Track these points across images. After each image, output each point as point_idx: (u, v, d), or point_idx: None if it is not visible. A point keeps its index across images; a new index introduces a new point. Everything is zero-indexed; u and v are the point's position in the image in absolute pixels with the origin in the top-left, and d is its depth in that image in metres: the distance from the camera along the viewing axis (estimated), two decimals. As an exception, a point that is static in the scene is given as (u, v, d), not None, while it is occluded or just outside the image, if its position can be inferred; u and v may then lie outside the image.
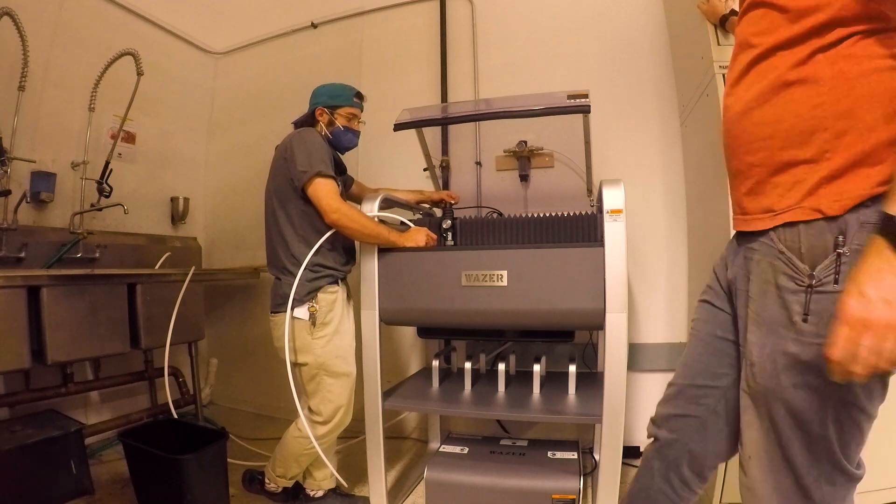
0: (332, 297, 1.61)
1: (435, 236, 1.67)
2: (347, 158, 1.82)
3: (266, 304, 1.67)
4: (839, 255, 0.68)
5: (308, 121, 1.73)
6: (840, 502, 0.77)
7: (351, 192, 1.88)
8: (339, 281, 1.66)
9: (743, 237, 0.86)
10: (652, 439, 1.04)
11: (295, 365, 1.58)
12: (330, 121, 1.70)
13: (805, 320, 0.71)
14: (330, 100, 1.70)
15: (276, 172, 1.64)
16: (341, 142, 1.72)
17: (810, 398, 0.73)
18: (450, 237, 1.76)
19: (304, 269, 1.55)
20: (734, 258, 0.90)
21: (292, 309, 1.54)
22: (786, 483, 0.78)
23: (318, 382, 1.58)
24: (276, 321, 1.59)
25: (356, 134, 1.75)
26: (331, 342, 1.59)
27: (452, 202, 2.01)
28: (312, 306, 1.56)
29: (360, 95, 1.74)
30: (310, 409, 1.61)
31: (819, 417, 0.73)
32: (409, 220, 1.79)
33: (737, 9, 1.46)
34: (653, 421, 1.05)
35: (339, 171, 1.74)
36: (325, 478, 1.70)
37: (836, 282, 0.68)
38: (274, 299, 1.61)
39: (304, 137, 1.59)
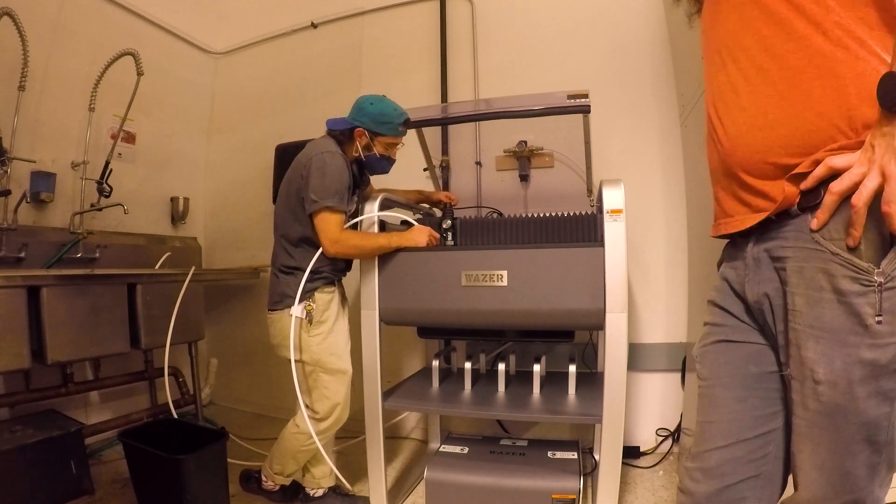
0: (329, 297, 1.63)
1: (437, 235, 1.67)
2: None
3: (265, 303, 1.68)
4: None
5: (343, 137, 1.63)
6: (883, 500, 0.74)
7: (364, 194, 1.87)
8: (335, 282, 1.68)
9: (759, 245, 0.79)
10: None
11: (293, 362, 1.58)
12: (368, 145, 1.62)
13: (879, 322, 0.64)
14: (374, 125, 1.59)
15: (290, 181, 1.62)
16: (374, 168, 1.68)
17: (883, 405, 0.67)
18: (450, 237, 1.76)
19: (300, 273, 1.57)
20: (752, 276, 0.80)
21: (288, 308, 1.56)
22: (844, 500, 0.73)
23: (315, 379, 1.60)
24: (273, 318, 1.61)
25: (391, 162, 1.69)
26: (326, 340, 1.60)
27: (452, 203, 2.01)
28: (309, 305, 1.57)
29: (407, 123, 1.65)
30: (305, 405, 1.61)
31: (887, 423, 0.68)
32: (409, 220, 1.79)
33: None
34: None
35: (360, 186, 1.72)
36: (325, 476, 1.70)
37: None
38: (271, 297, 1.63)
39: (326, 162, 1.53)
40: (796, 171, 0.72)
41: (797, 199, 0.73)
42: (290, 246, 1.62)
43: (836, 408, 0.69)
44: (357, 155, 1.64)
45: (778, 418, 0.80)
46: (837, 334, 0.68)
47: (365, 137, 1.61)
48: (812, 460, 0.74)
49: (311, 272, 1.58)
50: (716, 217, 0.89)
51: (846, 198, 0.66)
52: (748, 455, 0.81)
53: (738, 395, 0.83)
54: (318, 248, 1.59)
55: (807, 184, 0.71)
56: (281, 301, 1.58)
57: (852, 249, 0.66)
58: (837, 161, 0.67)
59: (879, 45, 0.67)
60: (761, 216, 0.76)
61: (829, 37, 0.69)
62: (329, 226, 1.53)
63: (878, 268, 0.64)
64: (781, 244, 0.75)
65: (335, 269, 1.65)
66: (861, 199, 0.63)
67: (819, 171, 0.69)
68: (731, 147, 0.80)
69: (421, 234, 1.60)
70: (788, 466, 0.81)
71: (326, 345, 1.60)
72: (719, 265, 0.92)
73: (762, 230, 0.78)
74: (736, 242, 0.86)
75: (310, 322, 1.57)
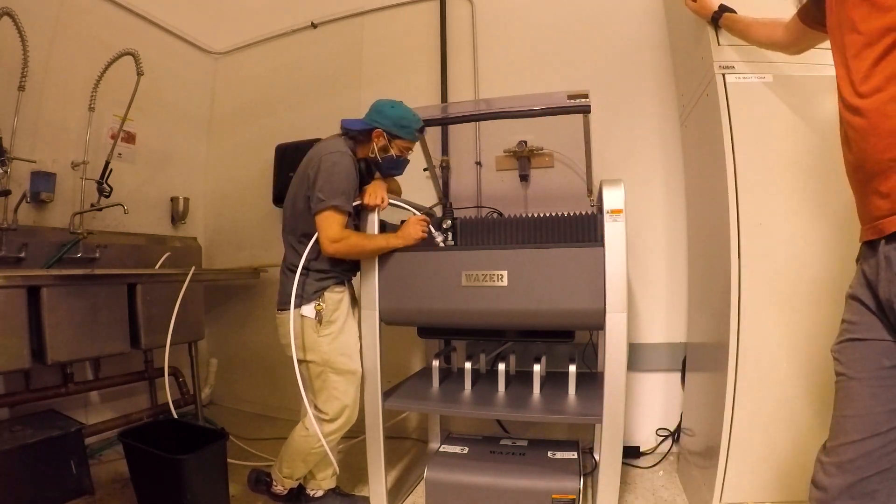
0: (339, 297, 1.62)
1: (426, 219, 1.64)
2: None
3: (266, 303, 1.68)
4: None
5: (359, 137, 1.64)
6: None
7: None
8: (346, 282, 1.67)
9: (891, 244, 0.82)
10: None
11: (301, 363, 1.58)
12: (385, 146, 1.63)
13: None
14: (394, 128, 1.61)
15: (299, 181, 1.62)
16: (390, 169, 1.69)
17: None
18: (450, 237, 1.76)
19: (309, 273, 1.57)
20: (884, 274, 0.83)
21: (298, 307, 1.55)
22: None
23: (324, 380, 1.58)
24: (282, 319, 1.59)
25: (406, 163, 1.72)
26: (336, 340, 1.59)
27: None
28: (319, 305, 1.56)
29: (422, 129, 1.72)
30: (315, 408, 1.60)
31: None
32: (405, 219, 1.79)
33: (727, 4, 1.48)
34: (824, 501, 0.87)
35: (364, 184, 1.71)
36: (326, 478, 1.69)
37: None
38: (280, 297, 1.62)
39: (335, 162, 1.54)
40: None
41: None
42: (299, 245, 1.60)
43: None
44: (372, 156, 1.64)
45: None
46: None
47: (383, 139, 1.61)
48: None
49: (320, 271, 1.58)
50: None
51: None
52: (882, 448, 0.83)
53: (873, 390, 0.85)
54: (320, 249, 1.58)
55: None
56: (290, 301, 1.56)
57: None
58: None
59: None
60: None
61: None
62: (331, 224, 1.52)
63: None
64: None
65: (345, 269, 1.65)
66: None
67: None
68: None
69: (414, 229, 1.60)
70: None
71: (336, 345, 1.59)
72: (858, 260, 0.95)
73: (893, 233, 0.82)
74: (871, 241, 0.89)
75: (319, 322, 1.56)
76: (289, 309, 1.56)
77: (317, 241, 1.56)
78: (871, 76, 0.83)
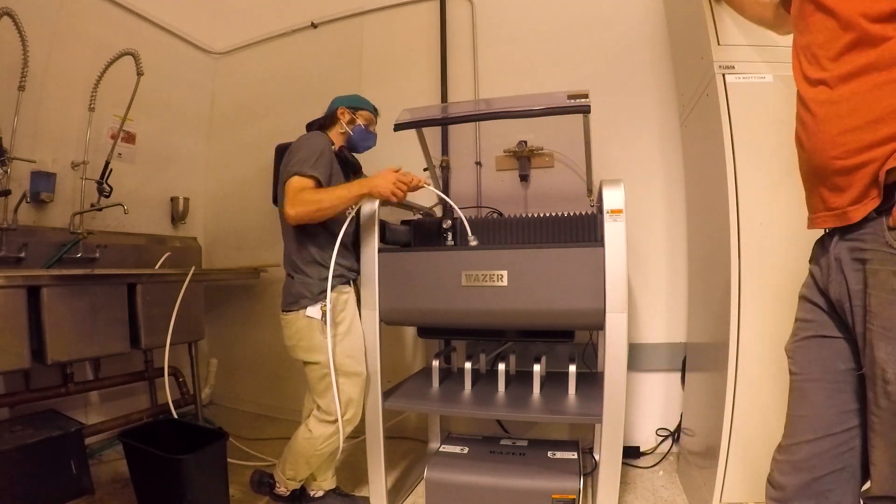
0: (345, 297, 1.60)
1: (407, 180, 1.55)
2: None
3: (266, 303, 1.67)
4: None
5: (325, 123, 1.75)
6: None
7: None
8: (351, 282, 1.65)
9: (841, 244, 0.81)
10: None
11: (306, 364, 1.57)
12: (352, 119, 1.73)
13: None
14: (353, 102, 1.75)
15: (280, 174, 1.63)
16: (363, 140, 1.75)
17: None
18: (450, 237, 1.76)
19: (320, 267, 1.56)
20: (834, 275, 0.82)
21: (303, 308, 1.54)
22: None
23: (330, 382, 1.56)
24: (287, 320, 1.57)
25: (375, 136, 1.80)
26: (343, 341, 1.57)
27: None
28: (325, 305, 1.54)
29: (376, 112, 1.81)
30: (318, 408, 1.59)
31: None
32: (409, 220, 1.79)
33: None
34: (781, 500, 0.89)
35: (354, 170, 1.75)
36: (326, 479, 1.69)
37: None
38: (285, 298, 1.59)
39: (305, 139, 1.60)
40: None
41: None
42: (302, 238, 1.57)
43: None
44: (343, 132, 1.71)
45: (860, 415, 0.83)
46: None
47: (348, 113, 1.73)
48: (885, 457, 0.75)
49: (327, 267, 1.55)
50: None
51: None
52: (835, 449, 0.84)
53: (827, 391, 0.86)
54: (331, 235, 1.56)
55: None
56: (296, 302, 1.55)
57: None
58: None
59: None
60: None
61: None
62: (289, 190, 1.47)
63: None
64: (860, 245, 0.77)
65: (353, 265, 1.64)
66: None
67: None
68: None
69: (384, 181, 1.50)
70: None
71: (342, 346, 1.57)
72: (810, 261, 0.95)
73: (844, 230, 0.81)
74: (823, 240, 0.90)
75: (325, 323, 1.54)
76: (293, 310, 1.55)
77: (321, 237, 1.56)
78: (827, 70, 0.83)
